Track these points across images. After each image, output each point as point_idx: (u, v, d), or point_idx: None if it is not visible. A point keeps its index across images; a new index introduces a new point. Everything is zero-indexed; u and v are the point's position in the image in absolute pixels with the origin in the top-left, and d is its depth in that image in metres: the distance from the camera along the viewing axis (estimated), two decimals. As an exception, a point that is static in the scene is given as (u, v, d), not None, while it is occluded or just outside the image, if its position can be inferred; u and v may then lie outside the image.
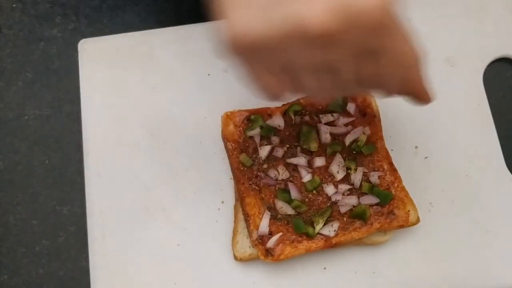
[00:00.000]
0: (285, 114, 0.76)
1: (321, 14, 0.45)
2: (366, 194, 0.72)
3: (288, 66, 0.51)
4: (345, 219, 0.71)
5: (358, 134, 0.75)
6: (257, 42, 0.47)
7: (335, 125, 0.75)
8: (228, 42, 0.48)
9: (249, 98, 0.80)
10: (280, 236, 0.70)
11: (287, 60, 0.50)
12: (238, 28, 0.47)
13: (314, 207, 0.72)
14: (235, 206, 0.75)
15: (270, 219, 0.71)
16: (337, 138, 0.75)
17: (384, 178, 0.73)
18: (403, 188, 0.73)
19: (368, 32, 0.47)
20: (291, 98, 0.60)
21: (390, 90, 0.58)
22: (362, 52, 0.49)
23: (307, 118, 0.76)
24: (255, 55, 0.49)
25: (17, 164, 0.81)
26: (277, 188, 0.73)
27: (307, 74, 0.51)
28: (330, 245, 0.70)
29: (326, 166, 0.74)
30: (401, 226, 0.72)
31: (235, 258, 0.73)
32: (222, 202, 0.77)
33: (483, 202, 0.76)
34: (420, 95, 0.60)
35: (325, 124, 0.75)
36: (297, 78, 0.52)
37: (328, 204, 0.72)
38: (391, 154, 0.75)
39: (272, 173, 0.73)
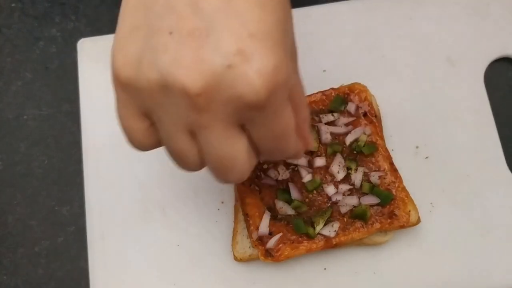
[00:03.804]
0: (285, 114, 0.76)
1: (190, 75, 0.43)
2: (367, 194, 0.72)
3: (156, 117, 0.49)
4: (345, 219, 0.71)
5: (359, 134, 0.74)
6: (127, 85, 0.48)
7: (335, 125, 0.75)
8: (111, 75, 0.49)
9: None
10: (280, 237, 0.70)
11: (155, 110, 0.49)
12: (115, 66, 0.47)
13: (315, 208, 0.72)
14: (235, 206, 0.75)
15: (270, 219, 0.71)
16: (337, 138, 0.75)
17: (384, 178, 0.73)
18: (403, 188, 0.73)
19: (241, 107, 0.45)
20: (154, 147, 0.54)
21: (264, 157, 0.54)
22: (231, 124, 0.47)
23: (307, 118, 0.76)
24: (127, 96, 0.49)
25: (17, 164, 0.81)
26: (277, 188, 0.73)
27: (174, 132, 0.49)
28: (331, 246, 0.70)
29: (327, 166, 0.73)
30: (402, 227, 0.71)
31: (235, 258, 0.73)
32: (222, 202, 0.77)
33: (484, 202, 0.76)
34: (294, 157, 0.58)
35: (325, 124, 0.75)
36: (165, 133, 0.50)
37: (329, 204, 0.72)
38: (392, 154, 0.75)
39: (272, 173, 0.73)
